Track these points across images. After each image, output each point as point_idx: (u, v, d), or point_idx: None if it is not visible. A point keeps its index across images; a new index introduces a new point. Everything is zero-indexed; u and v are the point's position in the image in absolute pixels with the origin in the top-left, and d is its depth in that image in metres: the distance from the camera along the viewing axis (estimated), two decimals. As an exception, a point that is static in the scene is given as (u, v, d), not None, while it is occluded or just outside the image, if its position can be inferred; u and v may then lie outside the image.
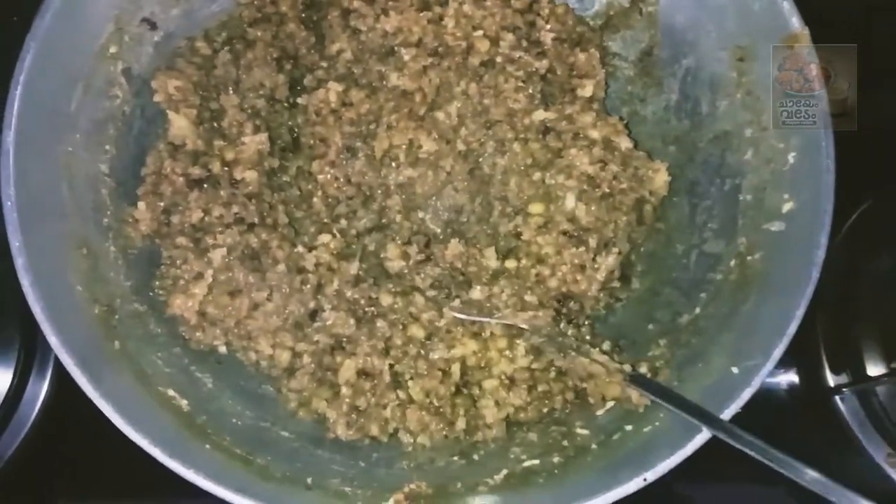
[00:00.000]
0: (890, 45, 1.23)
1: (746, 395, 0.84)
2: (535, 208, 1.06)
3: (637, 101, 1.19)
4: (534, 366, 1.01)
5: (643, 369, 0.98)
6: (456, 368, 0.99)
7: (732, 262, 1.01)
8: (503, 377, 1.00)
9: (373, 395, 0.99)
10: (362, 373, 0.99)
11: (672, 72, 1.14)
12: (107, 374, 0.86)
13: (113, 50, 1.01)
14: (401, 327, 1.02)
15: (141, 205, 1.01)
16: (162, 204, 1.02)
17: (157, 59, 1.07)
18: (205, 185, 1.02)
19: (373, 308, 1.03)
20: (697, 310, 1.02)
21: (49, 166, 0.93)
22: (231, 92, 1.09)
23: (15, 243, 0.85)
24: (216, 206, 1.01)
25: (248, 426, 0.95)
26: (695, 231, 1.09)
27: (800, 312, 0.86)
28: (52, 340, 0.83)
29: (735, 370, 0.88)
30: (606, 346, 1.05)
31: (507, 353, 1.00)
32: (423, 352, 1.01)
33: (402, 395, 1.00)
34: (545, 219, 1.05)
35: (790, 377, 1.22)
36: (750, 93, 1.04)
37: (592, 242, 1.02)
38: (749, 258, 0.99)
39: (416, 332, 1.01)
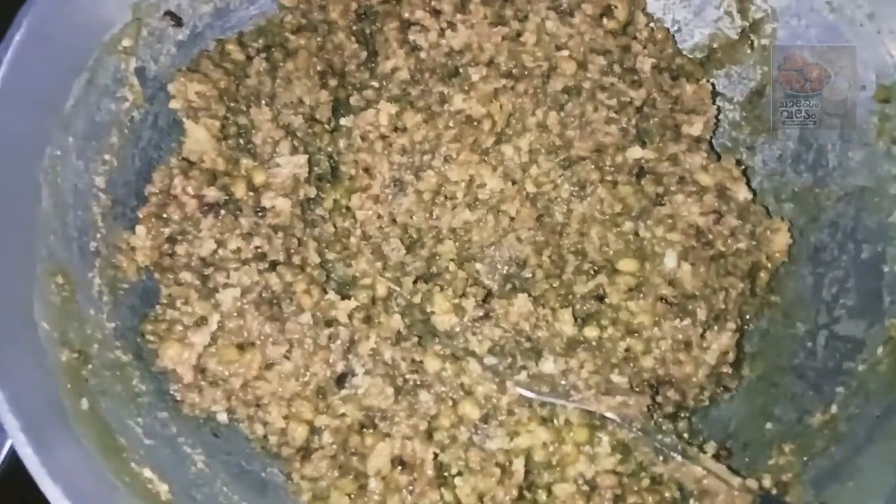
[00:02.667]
0: None
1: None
2: (627, 265, 0.86)
3: (743, 148, 1.01)
4: (619, 469, 0.78)
5: (765, 483, 0.76)
6: (519, 464, 0.77)
7: (880, 350, 0.82)
8: (581, 481, 0.77)
9: (410, 493, 0.76)
10: (398, 461, 0.77)
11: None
12: (63, 442, 0.67)
13: (126, 43, 0.87)
14: (450, 403, 0.80)
15: (140, 229, 0.82)
16: (167, 230, 0.83)
17: (178, 61, 0.92)
18: (222, 212, 0.84)
19: (416, 375, 0.81)
20: (834, 408, 0.82)
21: (29, 168, 0.77)
22: (264, 106, 0.91)
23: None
24: (233, 238, 0.83)
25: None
26: (821, 307, 0.90)
27: None
28: (-7, 392, 0.63)
29: (909, 496, 0.66)
30: (710, 447, 0.82)
31: (587, 448, 0.78)
32: (476, 438, 0.79)
33: (447, 496, 0.77)
34: (638, 280, 0.85)
35: None
36: (897, 141, 0.85)
37: (701, 314, 0.81)
38: (906, 345, 0.79)
39: (470, 410, 0.79)
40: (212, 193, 0.84)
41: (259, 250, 0.84)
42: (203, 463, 0.80)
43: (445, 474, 0.79)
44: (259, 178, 0.87)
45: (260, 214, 0.86)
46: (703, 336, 0.82)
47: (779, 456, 0.81)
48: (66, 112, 0.80)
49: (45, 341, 0.73)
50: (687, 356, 0.81)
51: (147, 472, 0.73)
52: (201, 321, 0.79)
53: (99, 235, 0.83)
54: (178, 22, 0.91)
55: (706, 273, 0.84)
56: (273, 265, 0.84)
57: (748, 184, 0.90)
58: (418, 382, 0.82)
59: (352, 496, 0.78)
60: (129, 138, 0.88)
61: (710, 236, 0.85)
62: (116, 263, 0.83)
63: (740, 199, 0.88)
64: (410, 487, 0.77)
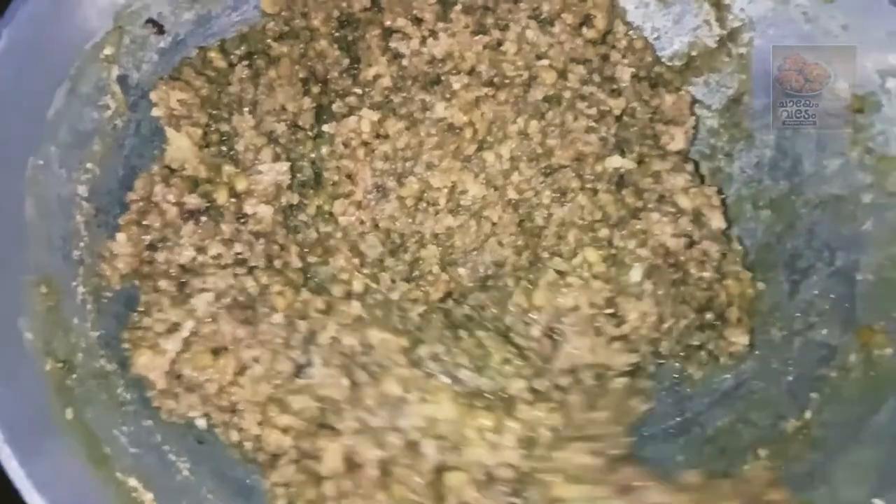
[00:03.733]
0: None
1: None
2: (592, 255, 0.88)
3: (721, 156, 1.02)
4: (524, 464, 0.77)
5: (740, 486, 0.78)
6: (430, 446, 0.77)
7: (853, 357, 0.84)
8: (478, 471, 0.77)
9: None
10: (350, 463, 0.78)
11: (766, 123, 0.97)
12: (49, 452, 0.67)
13: (108, 51, 0.87)
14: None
15: (121, 236, 0.83)
16: (148, 237, 0.83)
17: (160, 69, 0.92)
18: (203, 218, 0.84)
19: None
20: (808, 414, 0.83)
21: (12, 179, 0.77)
22: (247, 113, 0.91)
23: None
24: (214, 244, 0.84)
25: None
26: (797, 315, 0.91)
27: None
28: (-23, 402, 0.63)
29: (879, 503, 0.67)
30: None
31: (491, 436, 0.78)
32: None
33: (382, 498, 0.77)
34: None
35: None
36: (871, 151, 0.88)
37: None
38: (876, 353, 0.81)
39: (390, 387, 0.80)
40: (193, 201, 0.85)
41: (240, 256, 0.85)
42: (188, 471, 0.80)
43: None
44: (241, 185, 0.88)
45: (242, 221, 0.87)
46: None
47: (754, 461, 0.83)
48: (48, 121, 0.80)
49: (30, 351, 0.73)
50: None
51: (132, 481, 0.73)
52: (174, 327, 0.79)
53: (82, 244, 0.83)
54: (160, 30, 0.91)
55: (664, 295, 0.86)
56: (251, 270, 0.84)
57: (725, 214, 0.91)
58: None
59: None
60: (112, 146, 0.88)
61: (681, 260, 0.87)
62: (99, 272, 0.83)
63: (714, 226, 0.89)
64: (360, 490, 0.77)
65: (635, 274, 0.87)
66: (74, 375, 0.76)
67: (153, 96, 0.87)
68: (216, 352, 0.80)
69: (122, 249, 0.83)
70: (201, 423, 0.82)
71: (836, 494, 0.73)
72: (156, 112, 0.87)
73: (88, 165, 0.85)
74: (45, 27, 0.78)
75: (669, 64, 1.03)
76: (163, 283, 0.82)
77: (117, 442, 0.76)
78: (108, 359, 0.81)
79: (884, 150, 0.86)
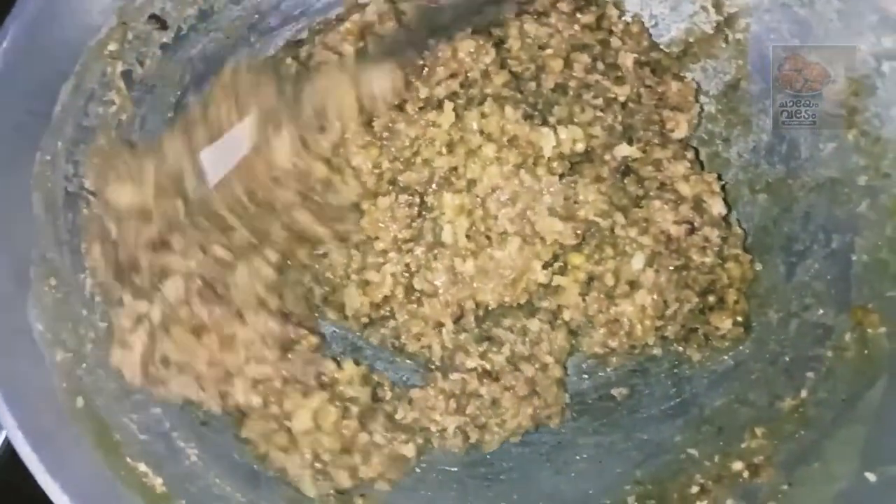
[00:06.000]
0: None
1: (894, 513, 0.65)
2: (576, 259, 0.89)
3: (719, 141, 1.03)
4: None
5: (738, 465, 0.79)
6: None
7: (848, 337, 0.84)
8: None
9: None
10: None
11: (763, 108, 0.98)
12: (61, 439, 0.69)
13: (112, 47, 0.87)
14: None
15: (95, 248, 0.83)
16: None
17: (163, 64, 0.93)
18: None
19: None
20: (804, 393, 0.84)
21: (20, 175, 0.78)
22: None
23: (-39, 263, 0.69)
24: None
25: (240, 515, 0.78)
26: (793, 296, 0.92)
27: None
28: (-9, 392, 0.65)
29: (871, 477, 0.69)
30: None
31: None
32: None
33: None
34: (587, 273, 0.88)
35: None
36: (866, 133, 0.88)
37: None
38: (870, 332, 0.82)
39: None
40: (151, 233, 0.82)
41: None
42: (196, 456, 0.81)
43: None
44: None
45: None
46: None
47: (751, 439, 0.84)
48: (54, 117, 0.81)
49: (40, 342, 0.74)
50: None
51: (142, 467, 0.75)
52: (140, 319, 0.79)
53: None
54: (163, 25, 0.92)
55: (666, 282, 0.87)
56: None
57: (725, 199, 0.92)
58: None
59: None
60: (117, 142, 0.88)
61: (682, 246, 0.88)
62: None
63: (714, 213, 0.90)
64: None
65: (637, 262, 0.88)
66: (84, 365, 0.78)
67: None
68: (197, 331, 0.80)
69: (98, 264, 0.82)
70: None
71: (829, 470, 0.74)
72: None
73: (95, 160, 0.86)
74: (49, 25, 0.80)
75: (668, 51, 1.03)
76: (138, 280, 0.81)
77: (127, 429, 0.77)
78: (116, 349, 0.82)
79: (879, 132, 0.87)
